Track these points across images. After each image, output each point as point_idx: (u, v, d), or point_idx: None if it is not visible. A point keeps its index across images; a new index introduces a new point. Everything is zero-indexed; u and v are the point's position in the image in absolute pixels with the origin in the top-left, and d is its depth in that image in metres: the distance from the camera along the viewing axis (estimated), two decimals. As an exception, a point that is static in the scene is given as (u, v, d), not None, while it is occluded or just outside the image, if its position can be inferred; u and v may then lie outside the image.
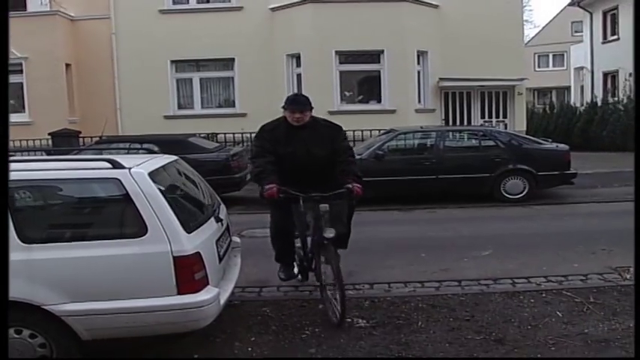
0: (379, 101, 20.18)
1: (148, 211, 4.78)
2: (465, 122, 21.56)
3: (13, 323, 4.68)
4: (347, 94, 20.53)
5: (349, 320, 5.96)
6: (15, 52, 19.77)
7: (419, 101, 20.68)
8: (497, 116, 21.86)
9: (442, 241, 9.59)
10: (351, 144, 15.99)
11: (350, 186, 6.10)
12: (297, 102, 6.51)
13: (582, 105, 28.81)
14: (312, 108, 6.54)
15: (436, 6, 20.62)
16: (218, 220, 5.77)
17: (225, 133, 18.96)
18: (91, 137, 17.45)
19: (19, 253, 4.63)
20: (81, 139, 18.16)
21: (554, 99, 40.86)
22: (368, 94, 20.73)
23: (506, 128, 20.24)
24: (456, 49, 20.30)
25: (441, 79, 20.90)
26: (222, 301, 5.08)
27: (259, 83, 20.35)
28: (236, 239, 6.66)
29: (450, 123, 21.38)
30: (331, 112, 18.87)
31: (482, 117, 21.78)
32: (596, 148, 23.19)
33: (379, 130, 16.20)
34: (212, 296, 4.87)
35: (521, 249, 8.81)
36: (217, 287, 5.11)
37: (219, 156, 14.10)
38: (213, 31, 20.31)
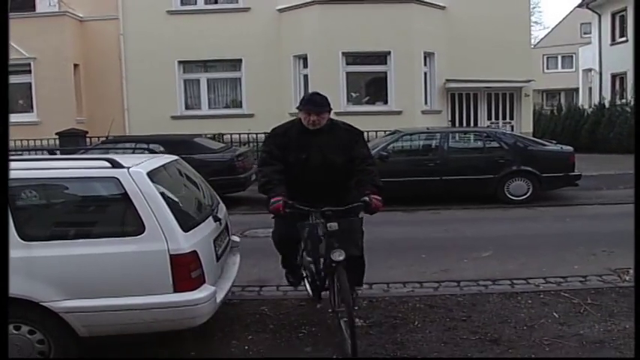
0: (385, 102, 20.21)
1: (146, 210, 4.85)
2: (472, 124, 21.57)
3: (13, 319, 4.73)
4: (353, 95, 20.57)
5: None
6: (23, 52, 19.95)
7: (425, 102, 20.71)
8: (504, 118, 21.86)
9: (444, 242, 9.64)
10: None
11: (367, 199, 5.30)
12: (314, 102, 5.66)
13: (590, 107, 28.75)
14: (330, 110, 5.75)
15: (443, 7, 20.64)
16: (216, 219, 5.82)
17: (231, 134, 19.03)
18: (98, 137, 17.54)
19: (18, 250, 4.69)
20: (88, 139, 18.25)
21: (562, 101, 40.82)
22: (374, 96, 20.77)
23: (512, 130, 20.23)
24: (463, 51, 20.30)
25: (447, 80, 20.92)
26: (219, 299, 5.13)
27: (266, 84, 20.42)
28: (235, 238, 6.70)
29: (457, 124, 21.38)
30: (338, 113, 18.74)
31: (489, 118, 21.78)
32: (604, 150, 23.16)
33: (385, 131, 16.22)
34: (208, 294, 4.92)
35: (522, 250, 8.84)
36: (214, 285, 5.17)
37: (224, 156, 14.17)
38: (220, 32, 20.38)
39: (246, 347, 5.53)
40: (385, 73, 20.12)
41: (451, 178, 13.22)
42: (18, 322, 4.81)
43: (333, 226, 5.21)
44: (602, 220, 11.10)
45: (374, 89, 20.89)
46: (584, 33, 42.35)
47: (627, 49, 25.84)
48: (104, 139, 16.01)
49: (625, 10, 27.49)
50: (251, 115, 20.56)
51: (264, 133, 18.78)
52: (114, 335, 5.00)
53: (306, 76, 20.37)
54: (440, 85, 20.96)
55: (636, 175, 4.62)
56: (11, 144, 16.27)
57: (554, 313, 6.19)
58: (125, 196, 4.89)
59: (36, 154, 9.47)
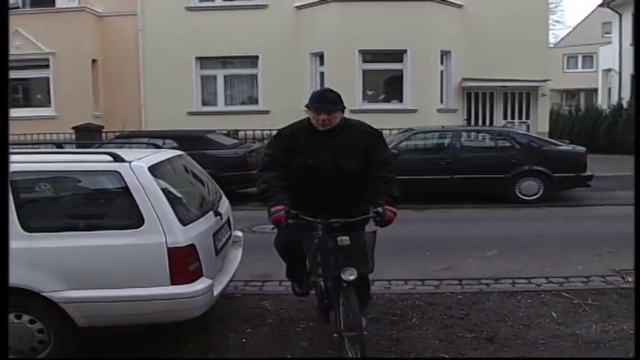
0: (401, 101, 20.24)
1: (146, 203, 4.94)
2: (488, 123, 21.52)
3: (14, 308, 4.89)
4: (369, 93, 20.60)
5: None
6: (42, 47, 20.22)
7: (441, 101, 20.71)
8: (520, 117, 21.79)
9: (450, 241, 9.67)
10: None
11: (380, 210, 4.76)
12: (324, 99, 5.00)
13: (609, 107, 28.55)
14: (343, 108, 5.07)
15: (460, 6, 20.61)
16: (217, 214, 5.89)
17: (247, 130, 19.14)
18: (114, 132, 17.72)
19: (21, 241, 4.84)
20: (104, 134, 18.45)
21: (582, 101, 40.57)
22: (390, 94, 20.79)
23: (528, 130, 20.14)
24: (480, 50, 20.27)
25: (464, 79, 20.90)
26: (216, 292, 5.21)
27: (283, 81, 20.50)
28: (238, 233, 6.78)
29: (472, 123, 21.35)
30: (353, 111, 18.81)
31: (505, 118, 21.72)
32: (621, 151, 22.96)
33: (399, 129, 16.25)
34: (205, 287, 5.00)
35: (528, 250, 8.85)
36: (212, 279, 5.26)
37: (237, 152, 14.27)
38: (238, 29, 20.48)
39: (244, 340, 5.62)
40: (401, 71, 20.14)
41: (462, 177, 13.23)
42: (19, 312, 4.94)
43: (345, 240, 4.64)
44: (612, 221, 11.05)
45: (390, 87, 20.91)
46: (606, 33, 42.01)
47: (647, 50, 25.62)
48: (119, 133, 16.16)
49: (646, 10, 27.23)
50: (267, 112, 20.65)
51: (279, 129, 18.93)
52: (112, 326, 5.13)
53: (322, 74, 20.44)
54: (456, 84, 20.94)
55: (636, 175, 4.65)
56: (29, 137, 16.48)
57: (553, 313, 6.21)
58: (126, 190, 4.99)
59: (45, 147, 9.59)
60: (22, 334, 4.95)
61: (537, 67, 21.05)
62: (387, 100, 20.71)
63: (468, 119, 21.52)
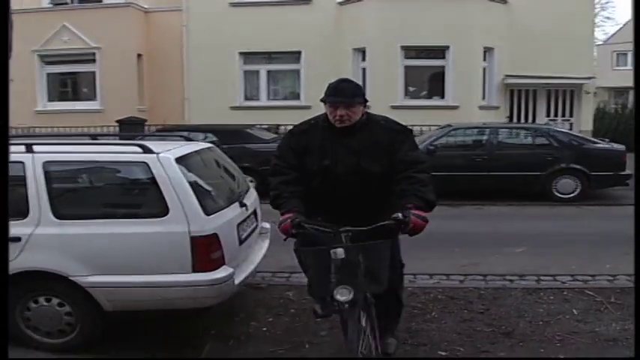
0: (442, 97, 20.19)
1: (171, 193, 5.13)
2: (530, 120, 21.35)
3: (44, 291, 5.19)
4: (411, 89, 20.61)
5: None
6: (89, 42, 20.68)
7: (483, 98, 20.61)
8: (563, 115, 21.56)
9: (480, 237, 9.72)
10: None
11: (399, 215, 3.99)
12: (340, 92, 4.32)
13: (657, 106, 28.00)
14: (365, 102, 4.43)
15: (505, 2, 20.47)
16: (242, 205, 6.04)
17: (288, 125, 19.25)
18: (157, 125, 18.06)
19: (52, 227, 5.14)
20: (147, 127, 18.80)
21: (630, 99, 39.85)
22: (431, 90, 20.76)
23: (571, 128, 19.96)
24: (524, 46, 20.08)
25: (506, 76, 20.75)
26: (238, 280, 5.37)
27: (325, 76, 20.12)
28: (266, 225, 6.91)
29: (515, 121, 21.20)
30: (394, 107, 19.09)
31: (548, 115, 21.52)
32: (667, 151, 22.61)
33: (439, 125, 16.26)
34: (226, 275, 5.16)
35: (557, 247, 8.86)
36: (235, 268, 5.42)
37: (275, 146, 14.42)
38: (281, 25, 20.64)
39: (264, 328, 5.78)
40: (443, 67, 20.09)
41: (498, 174, 13.22)
42: (49, 295, 5.21)
43: (339, 253, 3.83)
44: (648, 220, 10.94)
45: (431, 84, 20.87)
46: (658, 29, 41.15)
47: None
48: (160, 127, 16.49)
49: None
50: (308, 107, 20.69)
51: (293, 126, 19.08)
52: (136, 311, 5.35)
53: (364, 70, 20.49)
54: (499, 81, 20.81)
55: (636, 175, 4.65)
56: (75, 130, 16.88)
57: (574, 310, 6.22)
58: (152, 180, 5.19)
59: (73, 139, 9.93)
60: (51, 317, 5.20)
61: (582, 64, 20.80)
62: (428, 97, 20.68)
63: (510, 116, 21.38)
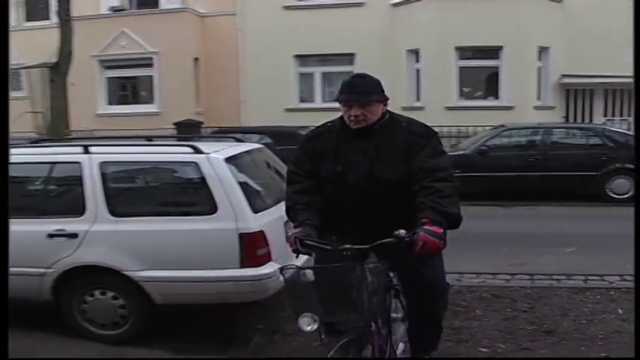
0: (497, 97, 20.07)
1: (220, 192, 5.36)
2: (587, 120, 21.05)
3: (100, 285, 5.48)
4: (465, 90, 20.54)
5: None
6: (147, 46, 21.19)
7: (538, 98, 20.41)
8: (621, 115, 21.18)
9: (530, 237, 9.70)
10: (459, 142, 16.12)
11: (401, 233, 3.39)
12: (354, 88, 3.81)
13: None
14: (384, 99, 3.88)
15: (560, 0, 20.24)
16: (289, 204, 6.24)
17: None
18: (213, 127, 18.42)
19: (107, 224, 5.46)
20: (204, 130, 19.16)
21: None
22: (486, 90, 20.65)
23: (629, 128, 19.61)
24: (581, 45, 19.79)
25: (563, 75, 20.51)
26: (283, 278, 5.54)
27: (379, 78, 20.57)
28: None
29: (571, 121, 20.94)
30: (449, 108, 19.17)
31: (605, 115, 21.17)
32: None
33: (493, 126, 16.22)
34: (272, 271, 5.31)
35: (608, 248, 8.78)
36: (281, 264, 5.59)
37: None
38: (335, 27, 20.76)
39: (310, 325, 5.93)
40: (497, 68, 19.98)
41: (552, 174, 13.14)
42: (104, 288, 5.48)
43: (308, 274, 3.37)
44: None
45: (486, 84, 20.76)
46: None
47: None
48: (216, 129, 16.83)
49: None
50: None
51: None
52: (185, 304, 5.58)
53: (418, 71, 20.51)
54: (554, 81, 20.58)
55: (636, 175, 4.66)
56: (133, 133, 17.37)
57: (619, 310, 6.22)
58: (202, 179, 5.43)
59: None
60: (105, 309, 5.48)
61: (640, 63, 20.38)
62: (482, 97, 20.57)
63: (567, 117, 21.12)
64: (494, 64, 20.02)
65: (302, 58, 22.10)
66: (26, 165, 6.20)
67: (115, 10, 22.56)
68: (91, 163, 5.61)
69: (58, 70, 16.81)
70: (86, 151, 5.70)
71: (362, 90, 3.79)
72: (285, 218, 5.90)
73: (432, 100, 19.66)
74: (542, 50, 20.26)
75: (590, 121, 20.95)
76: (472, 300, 6.58)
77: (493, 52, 19.94)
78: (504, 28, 19.20)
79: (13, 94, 25.21)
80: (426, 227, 3.40)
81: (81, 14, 19.18)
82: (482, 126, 17.24)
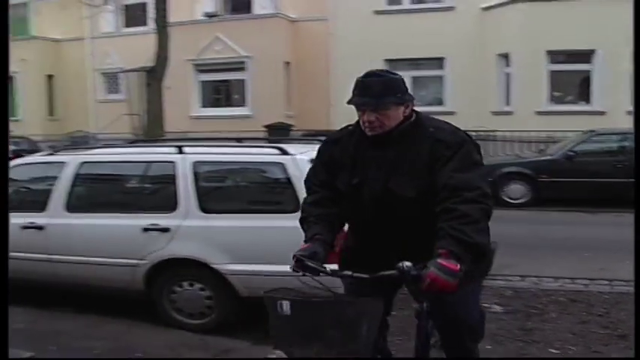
0: (588, 102, 19.75)
1: (304, 191, 5.65)
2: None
3: (189, 277, 5.88)
4: (556, 94, 20.29)
5: (486, 305, 6.44)
6: (240, 51, 21.82)
7: (631, 103, 19.96)
8: None
9: (613, 244, 9.58)
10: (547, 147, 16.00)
11: (403, 266, 2.87)
12: (366, 90, 3.24)
13: None
14: (404, 101, 3.26)
15: (656, 3, 19.74)
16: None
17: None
18: (303, 130, 18.84)
19: (198, 220, 5.89)
20: (293, 132, 19.62)
21: None
22: (577, 95, 20.35)
23: None
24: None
25: (658, 80, 20.00)
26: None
27: (469, 82, 20.66)
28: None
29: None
30: (539, 113, 19.03)
31: None
32: None
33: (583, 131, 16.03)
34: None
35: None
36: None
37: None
38: (424, 31, 20.84)
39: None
40: (589, 72, 19.66)
41: (641, 181, 12.89)
42: (192, 280, 5.89)
43: (285, 306, 2.99)
44: None
45: (576, 88, 20.46)
46: None
47: None
48: (305, 132, 17.22)
49: None
50: (452, 113, 20.78)
51: (464, 130, 19.11)
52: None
53: (508, 75, 20.39)
54: (650, 85, 20.09)
55: (636, 175, 4.62)
56: (224, 134, 17.90)
57: (698, 317, 6.20)
58: (288, 179, 5.77)
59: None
60: (193, 300, 5.89)
61: None
62: (573, 102, 20.27)
63: (664, 122, 20.55)
64: (586, 69, 19.70)
65: (392, 63, 22.16)
66: (124, 164, 6.71)
67: (210, 15, 23.31)
68: (184, 162, 6.03)
69: (154, 75, 17.45)
70: (180, 152, 6.13)
71: (376, 91, 3.19)
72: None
73: (521, 104, 19.52)
74: (638, 54, 19.78)
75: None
76: (548, 303, 6.67)
77: (585, 55, 19.62)
78: (597, 31, 18.86)
79: (111, 96, 26.55)
80: (439, 261, 2.82)
81: (177, 20, 19.93)
82: (573, 131, 17.03)
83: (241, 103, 22.91)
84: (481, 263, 3.26)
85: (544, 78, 19.72)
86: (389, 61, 21.96)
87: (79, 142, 20.97)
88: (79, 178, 6.51)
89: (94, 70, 27.07)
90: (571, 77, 20.58)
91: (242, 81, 22.82)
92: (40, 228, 6.42)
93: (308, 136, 15.60)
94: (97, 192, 6.89)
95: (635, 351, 3.53)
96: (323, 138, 9.59)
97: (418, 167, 3.22)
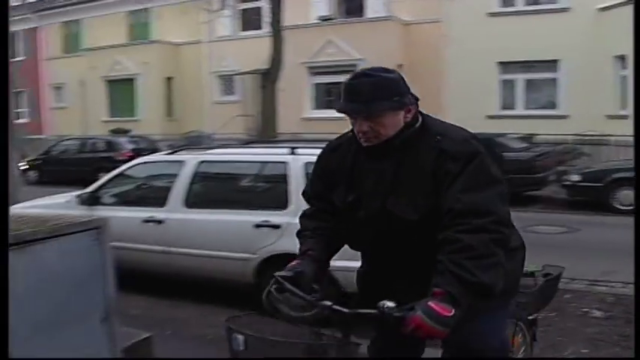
0: None
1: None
2: None
3: None
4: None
5: (586, 310, 6.41)
6: (353, 53, 22.10)
7: None
8: None
9: None
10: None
11: (384, 306, 2.40)
12: (355, 94, 2.66)
13: None
14: (404, 105, 2.71)
15: None
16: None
17: (544, 134, 19.08)
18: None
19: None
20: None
21: None
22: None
23: None
24: None
25: None
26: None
27: (583, 85, 20.14)
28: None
29: None
30: (655, 116, 18.27)
31: None
32: None
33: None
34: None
35: None
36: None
37: (524, 155, 14.63)
38: (538, 33, 20.46)
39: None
40: None
41: None
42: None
43: (239, 341, 2.60)
44: None
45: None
46: None
47: None
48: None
49: None
50: (565, 117, 20.45)
51: (577, 134, 18.19)
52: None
53: (624, 77, 19.76)
54: None
55: (636, 175, 4.42)
56: (333, 136, 18.52)
57: None
58: None
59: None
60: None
61: None
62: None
63: None
64: None
65: (504, 65, 21.97)
66: (239, 163, 7.05)
67: (324, 19, 23.72)
68: (296, 163, 6.29)
69: (269, 77, 17.88)
70: (292, 152, 6.40)
71: (366, 96, 2.63)
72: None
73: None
74: None
75: None
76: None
77: None
78: None
79: (226, 98, 27.46)
80: (430, 304, 2.35)
81: (291, 24, 20.39)
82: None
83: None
84: (508, 287, 2.74)
85: (664, 81, 19.02)
86: (502, 63, 21.81)
87: (194, 141, 21.71)
88: (197, 176, 6.92)
89: (210, 72, 28.04)
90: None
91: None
92: (159, 222, 6.84)
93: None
94: (214, 189, 7.31)
95: (635, 351, 3.38)
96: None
97: (421, 184, 2.65)
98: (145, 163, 8.10)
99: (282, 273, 2.81)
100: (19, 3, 32.84)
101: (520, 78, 22.02)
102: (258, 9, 25.70)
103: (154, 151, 16.24)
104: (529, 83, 22.08)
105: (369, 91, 2.63)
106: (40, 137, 30.86)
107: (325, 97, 24.41)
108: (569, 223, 11.78)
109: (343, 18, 24.31)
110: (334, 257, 3.35)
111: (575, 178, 13.80)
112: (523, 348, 3.91)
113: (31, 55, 34.74)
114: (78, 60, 31.59)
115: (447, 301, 2.35)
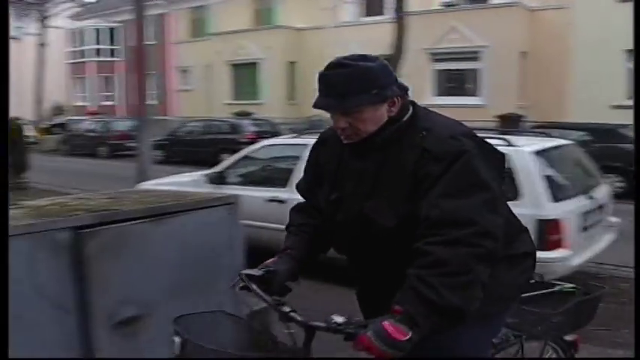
0: None
1: (524, 181, 6.01)
2: None
3: None
4: None
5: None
6: (477, 40, 22.02)
7: None
8: None
9: None
10: None
11: (332, 321, 2.16)
12: (329, 87, 2.36)
13: None
14: (386, 98, 2.36)
15: None
16: (589, 197, 6.66)
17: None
18: (535, 122, 18.67)
19: None
20: (524, 124, 19.52)
21: None
22: None
23: None
24: None
25: None
26: (573, 263, 6.05)
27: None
28: (612, 219, 7.36)
29: None
30: None
31: None
32: None
33: None
34: (561, 256, 5.89)
35: None
36: (573, 252, 6.09)
37: (645, 147, 14.22)
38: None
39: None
40: None
41: None
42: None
43: (176, 343, 2.23)
44: None
45: None
46: None
47: None
48: (535, 124, 17.08)
49: None
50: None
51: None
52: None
53: None
54: None
55: (636, 175, 4.23)
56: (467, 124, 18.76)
57: None
58: (509, 169, 6.07)
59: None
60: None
61: None
62: None
63: None
64: None
65: (632, 53, 21.29)
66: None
67: (448, 5, 23.67)
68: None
69: (391, 63, 17.97)
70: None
71: (341, 89, 2.33)
72: (583, 210, 6.42)
73: None
74: None
75: None
76: None
77: None
78: None
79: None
80: (384, 324, 2.07)
81: (414, 10, 20.48)
82: None
83: (474, 93, 23.13)
84: (499, 299, 2.47)
85: None
86: (629, 51, 21.08)
87: (316, 125, 22.15)
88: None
89: (333, 57, 28.38)
90: None
91: (475, 70, 23.07)
92: (281, 202, 7.23)
93: (536, 129, 15.53)
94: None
95: (636, 351, 3.37)
96: (557, 130, 9.76)
97: (401, 187, 2.34)
98: (269, 145, 8.57)
99: (249, 271, 2.53)
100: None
101: (650, 68, 21.26)
102: (381, -5, 25.92)
103: (276, 134, 16.70)
104: (656, 71, 21.29)
105: (344, 84, 2.31)
106: (165, 118, 32.17)
107: (446, 83, 24.39)
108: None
109: (467, 4, 24.19)
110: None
111: None
112: None
113: (160, 40, 36.27)
114: (204, 44, 32.77)
115: (405, 322, 2.06)
